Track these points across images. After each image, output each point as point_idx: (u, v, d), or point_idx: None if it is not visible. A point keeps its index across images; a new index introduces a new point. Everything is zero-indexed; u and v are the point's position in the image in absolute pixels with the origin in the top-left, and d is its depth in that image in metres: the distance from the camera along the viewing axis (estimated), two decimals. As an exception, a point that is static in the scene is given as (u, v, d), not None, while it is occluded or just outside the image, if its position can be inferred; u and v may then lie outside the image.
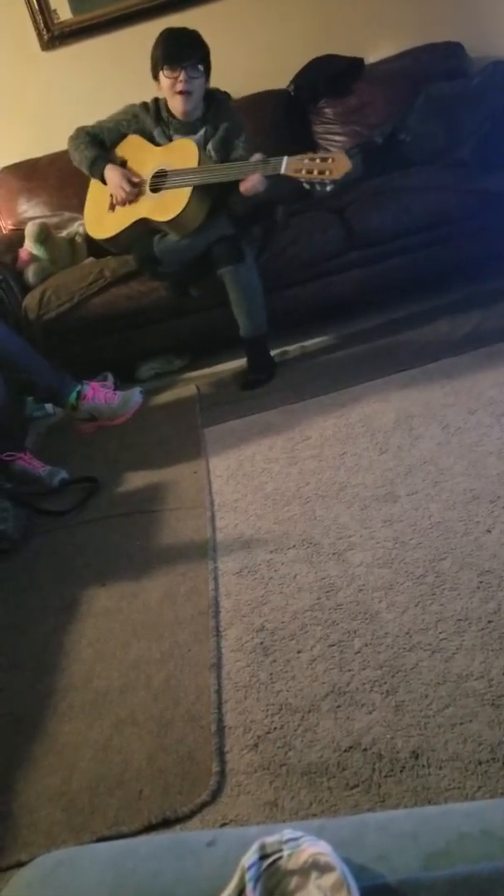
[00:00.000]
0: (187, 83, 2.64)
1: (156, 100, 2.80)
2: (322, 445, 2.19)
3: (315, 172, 2.42)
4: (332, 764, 1.21)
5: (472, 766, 1.14)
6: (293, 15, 3.48)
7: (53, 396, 2.69)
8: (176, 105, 2.70)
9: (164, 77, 2.65)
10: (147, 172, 2.76)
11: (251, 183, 2.54)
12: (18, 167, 3.47)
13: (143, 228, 2.76)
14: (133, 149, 2.84)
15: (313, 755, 1.23)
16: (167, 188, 2.70)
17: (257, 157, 2.55)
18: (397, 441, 2.10)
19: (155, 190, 2.74)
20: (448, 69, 3.34)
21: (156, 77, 2.70)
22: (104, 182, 2.80)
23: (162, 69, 2.64)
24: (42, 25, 3.44)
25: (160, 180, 2.73)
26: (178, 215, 2.64)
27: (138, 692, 1.47)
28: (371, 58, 3.51)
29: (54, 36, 3.46)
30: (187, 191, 2.63)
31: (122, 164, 2.83)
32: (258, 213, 2.76)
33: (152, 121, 2.78)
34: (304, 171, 2.44)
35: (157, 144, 2.79)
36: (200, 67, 2.65)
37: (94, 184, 2.92)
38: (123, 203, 2.78)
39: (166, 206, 2.68)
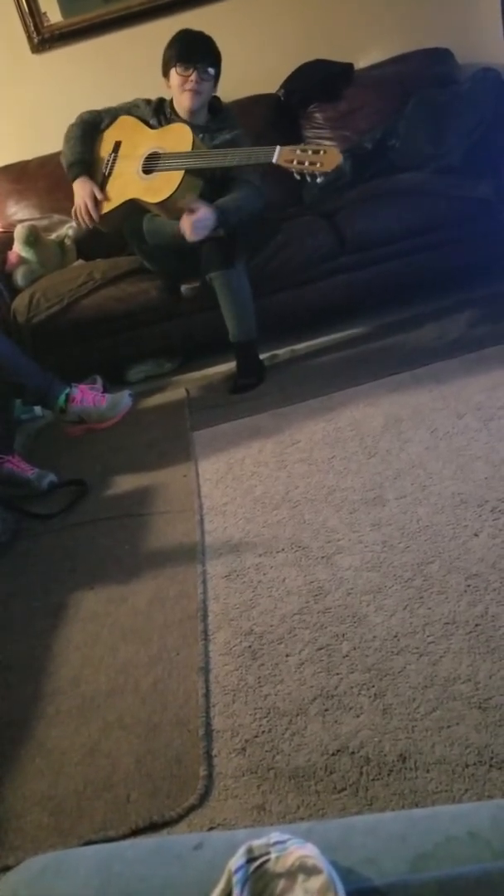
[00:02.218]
0: (198, 83, 2.67)
1: (161, 99, 2.82)
2: (311, 449, 2.19)
3: (306, 164, 2.43)
4: (319, 767, 1.21)
5: (460, 769, 1.14)
6: (283, 20, 3.50)
7: (42, 399, 2.68)
8: (183, 101, 2.72)
9: (176, 74, 2.68)
10: (140, 154, 2.77)
11: (192, 222, 2.53)
12: (8, 169, 3.46)
13: (134, 209, 2.77)
14: (128, 130, 2.85)
15: (301, 759, 1.23)
16: (159, 171, 2.71)
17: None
18: (386, 445, 2.10)
19: (147, 172, 2.74)
20: (437, 75, 3.35)
21: (166, 74, 2.72)
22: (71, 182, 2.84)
23: (175, 66, 2.67)
24: (32, 28, 3.43)
25: (153, 163, 2.73)
26: (167, 198, 2.64)
27: (126, 696, 1.46)
28: (361, 63, 3.52)
29: (44, 39, 3.46)
30: (179, 174, 2.63)
31: (117, 145, 2.85)
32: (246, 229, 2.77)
33: (152, 112, 2.80)
34: (295, 162, 2.44)
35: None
36: (211, 71, 2.69)
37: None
38: (81, 216, 2.82)
39: (157, 189, 2.68)
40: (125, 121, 2.87)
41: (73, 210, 2.87)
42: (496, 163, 2.92)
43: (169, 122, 2.78)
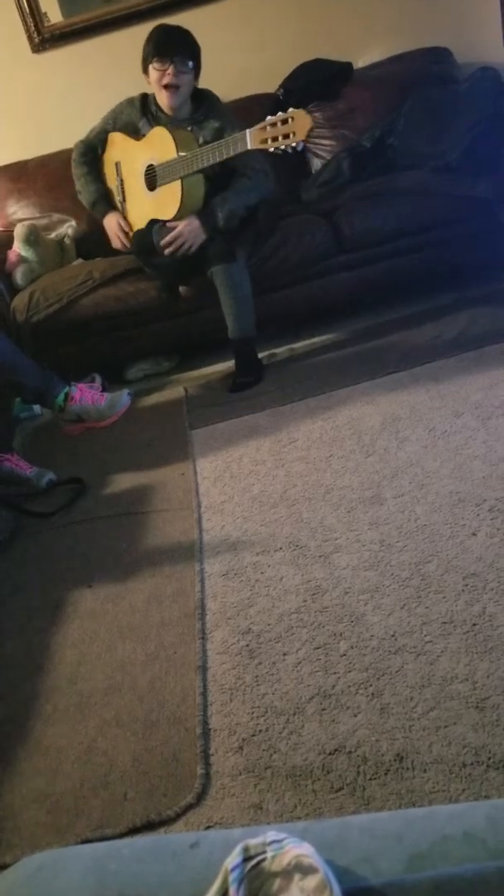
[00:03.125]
0: (175, 77, 2.66)
1: (144, 95, 2.82)
2: (309, 448, 2.19)
3: (280, 138, 2.40)
4: (316, 766, 1.21)
5: (457, 769, 1.14)
6: (283, 19, 3.49)
7: (41, 398, 2.68)
8: (162, 99, 2.73)
9: (153, 70, 2.68)
10: (139, 170, 2.80)
11: (179, 235, 2.65)
12: (8, 169, 3.46)
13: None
14: (120, 148, 2.88)
15: (298, 758, 1.23)
16: (160, 185, 2.74)
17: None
18: (384, 444, 2.10)
19: (151, 187, 2.77)
20: (436, 74, 3.35)
21: (145, 70, 2.72)
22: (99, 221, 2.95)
23: (151, 62, 2.67)
24: (32, 28, 3.43)
25: (151, 176, 2.76)
26: (178, 211, 2.68)
27: (123, 694, 1.47)
28: (360, 62, 3.52)
29: (44, 39, 3.45)
30: (177, 184, 2.66)
31: (118, 167, 2.88)
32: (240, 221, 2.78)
33: (138, 113, 2.80)
34: (269, 140, 2.42)
35: (142, 135, 2.82)
36: (190, 64, 2.68)
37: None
38: (120, 249, 2.94)
39: (166, 204, 2.71)
40: (114, 138, 2.91)
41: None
42: (494, 161, 2.92)
43: (156, 118, 2.80)
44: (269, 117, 2.43)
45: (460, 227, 2.95)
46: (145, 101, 2.81)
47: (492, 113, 3.01)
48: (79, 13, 3.43)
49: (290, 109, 2.39)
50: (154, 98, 2.79)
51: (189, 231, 2.66)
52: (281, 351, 2.98)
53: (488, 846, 0.56)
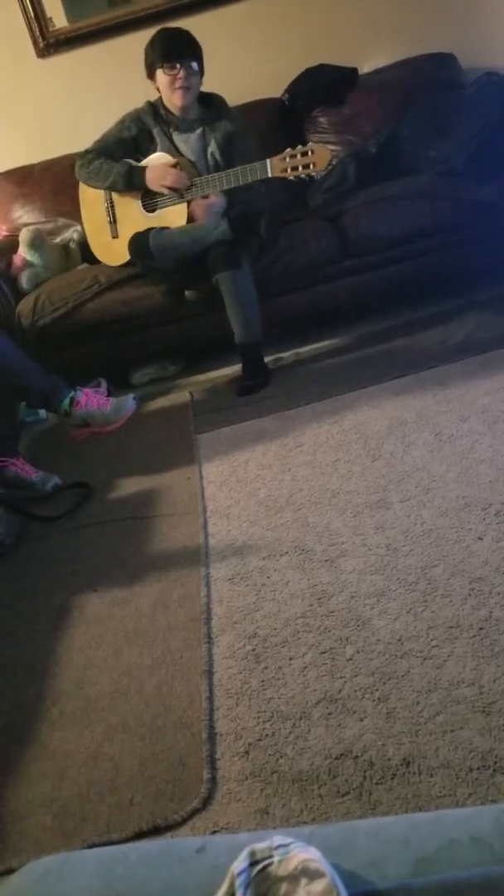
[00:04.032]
0: (186, 79, 2.69)
1: (150, 103, 2.83)
2: (315, 452, 2.19)
3: (300, 168, 2.57)
4: (323, 771, 1.20)
5: (464, 774, 1.14)
6: (288, 24, 3.50)
7: (46, 402, 2.69)
8: (175, 100, 2.74)
9: (163, 74, 2.70)
10: (134, 194, 2.83)
11: (206, 206, 2.70)
12: (13, 173, 3.47)
13: None
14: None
15: (304, 762, 1.23)
16: (160, 208, 2.79)
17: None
18: (390, 448, 2.10)
19: (150, 210, 2.81)
20: (441, 79, 3.36)
21: (151, 76, 2.73)
22: (142, 187, 2.78)
23: (161, 66, 2.69)
24: (38, 33, 3.44)
25: (151, 201, 2.81)
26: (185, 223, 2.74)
27: (130, 699, 1.47)
28: (365, 67, 3.52)
29: (49, 44, 3.47)
30: (182, 206, 2.73)
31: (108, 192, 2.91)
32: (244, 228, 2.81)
33: (152, 120, 2.81)
34: (289, 170, 2.57)
35: (155, 144, 2.82)
36: (195, 66, 2.71)
37: (88, 214, 3.00)
38: (178, 187, 2.73)
39: (170, 221, 2.76)
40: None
41: (110, 231, 2.94)
42: (500, 166, 2.92)
43: (168, 124, 2.80)
44: (288, 149, 2.58)
45: (466, 232, 2.95)
46: (154, 109, 2.82)
47: (497, 118, 3.01)
48: (83, 18, 3.45)
49: (310, 143, 2.59)
50: (161, 102, 2.80)
51: (216, 203, 2.72)
52: (287, 355, 2.99)
53: (495, 850, 0.56)
